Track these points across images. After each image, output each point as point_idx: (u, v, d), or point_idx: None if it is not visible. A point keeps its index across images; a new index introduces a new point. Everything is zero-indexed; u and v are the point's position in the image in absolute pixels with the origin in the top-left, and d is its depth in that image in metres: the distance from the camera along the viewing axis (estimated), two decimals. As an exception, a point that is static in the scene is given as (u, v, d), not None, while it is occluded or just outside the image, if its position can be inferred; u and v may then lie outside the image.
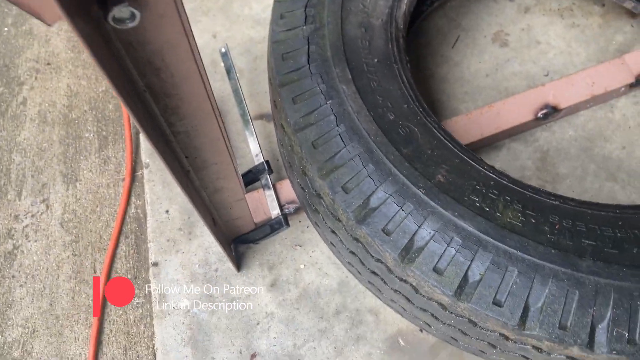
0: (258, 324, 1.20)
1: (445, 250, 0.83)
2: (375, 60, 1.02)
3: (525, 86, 1.39)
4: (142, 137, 1.44)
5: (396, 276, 0.89)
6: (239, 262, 1.26)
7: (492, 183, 0.90)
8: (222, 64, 1.41)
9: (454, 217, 0.84)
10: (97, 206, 1.40)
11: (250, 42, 1.51)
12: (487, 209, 0.86)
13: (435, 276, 0.83)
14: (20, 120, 1.51)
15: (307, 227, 1.29)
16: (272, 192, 1.22)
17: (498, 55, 1.44)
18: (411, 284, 0.88)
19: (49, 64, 1.58)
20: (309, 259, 1.26)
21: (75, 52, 1.59)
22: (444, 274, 0.82)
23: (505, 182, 0.91)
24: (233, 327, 1.20)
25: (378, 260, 0.90)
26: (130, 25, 0.46)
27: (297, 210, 1.24)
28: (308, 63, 0.99)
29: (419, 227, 0.85)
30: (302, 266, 1.25)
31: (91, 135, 1.48)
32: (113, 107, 1.51)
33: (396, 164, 0.88)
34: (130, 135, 1.45)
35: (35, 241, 1.37)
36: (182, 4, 0.50)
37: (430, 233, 0.84)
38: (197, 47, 0.58)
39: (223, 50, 1.34)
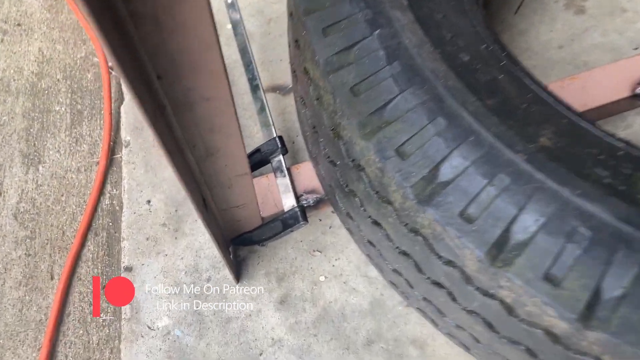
0: (261, 354, 0.89)
1: (563, 248, 0.52)
2: (440, -11, 0.73)
3: (608, 60, 1.10)
4: (124, 111, 1.15)
5: (477, 288, 0.58)
6: (238, 270, 0.96)
7: (620, 154, 0.60)
8: (229, 25, 1.13)
9: (574, 196, 0.53)
10: (62, 195, 1.10)
11: (264, 2, 1.23)
12: (623, 188, 0.55)
13: (547, 288, 0.52)
14: (-24, 88, 1.22)
15: (330, 227, 0.99)
16: (286, 177, 0.92)
17: (573, 24, 1.15)
18: (502, 300, 0.57)
19: (19, 24, 1.30)
20: (332, 269, 0.95)
21: (52, 13, 1.32)
22: (563, 286, 0.52)
23: (638, 153, 0.61)
24: (227, 357, 0.89)
25: (449, 262, 0.59)
26: None
27: (317, 204, 0.94)
28: (346, -17, 0.70)
29: (520, 211, 0.54)
30: (322, 278, 0.94)
31: (63, 108, 1.19)
32: (92, 76, 1.23)
33: (480, 117, 0.59)
34: (110, 109, 1.16)
35: (-20, 236, 1.07)
36: None
37: (537, 221, 0.53)
38: None
39: (230, 0, 1.06)
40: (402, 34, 0.65)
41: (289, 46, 0.82)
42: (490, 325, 0.63)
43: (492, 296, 0.57)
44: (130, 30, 0.40)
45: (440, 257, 0.60)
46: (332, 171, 0.74)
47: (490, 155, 0.57)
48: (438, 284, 0.65)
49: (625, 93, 0.98)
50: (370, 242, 0.75)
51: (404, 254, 0.67)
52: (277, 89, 1.14)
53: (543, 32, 1.14)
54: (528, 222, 0.54)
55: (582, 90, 0.98)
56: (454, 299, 0.64)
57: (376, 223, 0.68)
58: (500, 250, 0.54)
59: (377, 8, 0.67)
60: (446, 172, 0.57)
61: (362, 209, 0.70)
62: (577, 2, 1.17)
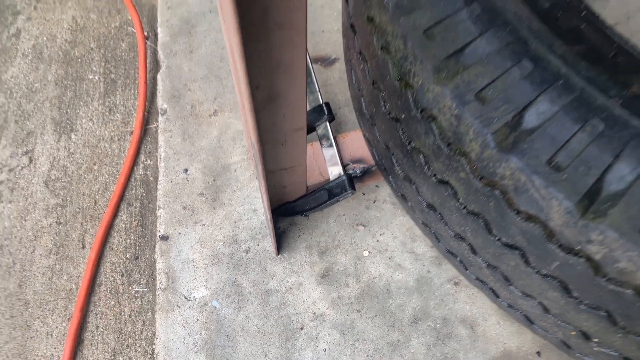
0: (302, 328, 0.85)
1: (665, 198, 0.48)
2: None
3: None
4: (161, 79, 1.11)
5: (560, 245, 0.53)
6: (279, 242, 0.91)
7: None
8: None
9: (677, 145, 0.49)
10: (94, 164, 1.06)
11: (306, -26, 1.20)
12: None
13: (648, 240, 0.47)
14: (9, 55, 1.19)
15: (374, 202, 0.94)
16: (332, 145, 0.88)
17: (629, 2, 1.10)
18: (589, 258, 0.52)
19: (53, -7, 1.28)
20: (376, 244, 0.91)
21: (87, -18, 1.29)
22: (668, 238, 0.47)
23: None
24: (267, 330, 0.84)
25: (530, 218, 0.54)
26: None
27: (363, 176, 0.90)
28: None
29: (616, 159, 0.50)
30: (365, 253, 0.90)
31: (96, 77, 1.16)
32: (127, 46, 1.20)
33: (569, 61, 0.54)
34: (145, 79, 1.12)
35: (10, 202, 1.03)
36: None
37: (635, 169, 0.49)
38: None
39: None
40: (477, -25, 0.61)
41: (345, 1, 0.77)
42: (567, 290, 0.58)
43: (577, 254, 0.53)
44: None
45: (519, 212, 0.55)
46: (393, 129, 0.70)
47: (581, 100, 0.52)
48: (511, 246, 0.60)
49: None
50: (430, 206, 0.71)
51: (473, 213, 0.62)
52: (319, 60, 1.10)
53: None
54: (624, 171, 0.49)
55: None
56: (527, 262, 0.60)
57: (442, 182, 0.64)
58: (593, 200, 0.50)
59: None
60: (532, 118, 0.53)
61: (426, 167, 0.66)
62: (631, -20, 1.13)
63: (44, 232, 1.00)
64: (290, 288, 0.88)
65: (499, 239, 0.61)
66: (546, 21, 0.59)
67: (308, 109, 0.93)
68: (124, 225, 1.00)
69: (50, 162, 1.07)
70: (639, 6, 1.10)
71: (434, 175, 0.65)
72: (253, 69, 0.54)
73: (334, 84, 1.07)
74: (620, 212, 0.49)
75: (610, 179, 0.50)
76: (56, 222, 1.01)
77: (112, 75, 1.16)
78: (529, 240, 0.57)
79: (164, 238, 0.93)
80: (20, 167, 1.06)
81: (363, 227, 0.92)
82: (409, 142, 0.67)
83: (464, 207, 0.63)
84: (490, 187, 0.57)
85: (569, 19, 0.61)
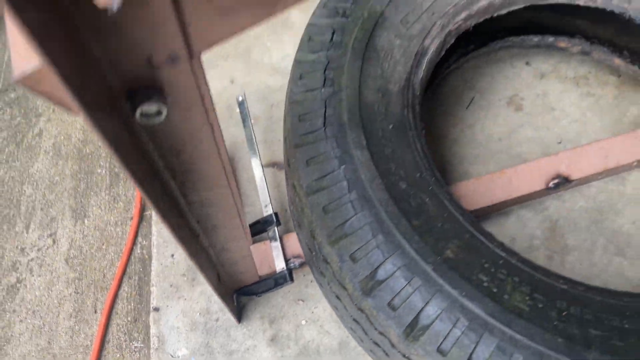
0: (255, 378, 1.19)
1: (450, 331, 0.82)
2: (391, 126, 1.03)
3: (538, 153, 1.39)
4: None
5: (399, 352, 0.88)
6: (240, 313, 1.25)
7: (501, 262, 0.90)
8: (237, 109, 1.43)
9: (461, 297, 0.83)
10: (103, 244, 1.40)
11: (268, 90, 1.53)
12: (495, 290, 0.85)
13: (439, 357, 0.82)
14: (34, 152, 1.52)
15: (311, 281, 1.28)
16: (278, 245, 1.22)
17: (512, 120, 1.44)
18: (415, 362, 0.87)
19: (67, 97, 1.60)
20: (311, 315, 1.25)
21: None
22: (448, 356, 0.81)
23: (514, 261, 0.90)
24: (230, 380, 1.19)
25: (381, 333, 0.89)
26: (157, 120, 0.46)
27: (302, 265, 1.24)
28: (324, 126, 0.99)
29: (426, 304, 0.84)
30: (303, 322, 1.24)
31: (103, 171, 1.49)
32: (127, 144, 1.52)
33: (406, 236, 0.88)
34: (141, 175, 1.45)
35: (39, 276, 1.37)
36: (209, 93, 0.51)
37: (436, 312, 0.83)
38: (220, 130, 0.59)
39: (240, 98, 1.36)
40: (359, 169, 0.94)
41: (284, 161, 1.11)
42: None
43: (408, 359, 0.87)
44: (185, 211, 0.69)
45: (376, 328, 0.89)
46: (309, 255, 1.04)
47: (410, 264, 0.86)
48: (377, 344, 0.94)
49: (541, 186, 1.27)
50: (335, 307, 1.05)
51: (355, 321, 0.96)
52: (275, 164, 1.43)
53: (487, 126, 1.44)
54: (430, 312, 0.83)
55: (508, 182, 1.28)
56: (386, 355, 0.94)
57: (337, 297, 0.98)
58: (412, 330, 0.84)
59: (344, 147, 0.97)
60: (381, 274, 0.87)
61: (328, 286, 1.00)
62: (516, 100, 1.47)
63: (65, 300, 1.34)
64: (248, 349, 1.22)
65: (370, 339, 0.95)
66: (399, 202, 0.92)
67: (262, 214, 1.27)
68: (125, 295, 1.34)
69: (69, 242, 1.40)
70: (520, 122, 1.44)
71: (334, 292, 0.99)
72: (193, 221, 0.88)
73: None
74: (427, 338, 0.83)
75: (422, 317, 0.84)
76: (75, 291, 1.35)
77: (116, 169, 1.49)
78: (384, 344, 0.91)
79: (156, 309, 1.27)
80: (46, 247, 1.40)
81: (302, 302, 1.26)
82: (319, 268, 1.01)
83: (350, 315, 0.97)
84: (360, 311, 0.91)
85: (418, 195, 0.94)
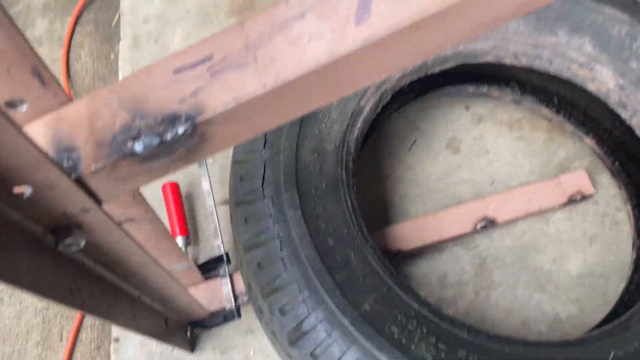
0: (206, 404, 1.31)
1: (362, 378, 0.94)
2: (324, 184, 1.14)
3: (471, 193, 1.52)
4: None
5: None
6: (194, 344, 1.37)
7: (412, 314, 1.02)
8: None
9: (373, 348, 0.95)
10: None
11: (225, 130, 1.63)
12: (404, 342, 0.97)
13: (351, 401, 0.94)
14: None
15: (260, 313, 1.40)
16: (228, 283, 1.33)
17: (450, 161, 1.56)
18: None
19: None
20: (259, 346, 1.37)
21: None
22: (359, 400, 0.94)
23: (425, 312, 1.03)
24: (183, 406, 1.30)
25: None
26: (76, 249, 0.57)
27: (250, 301, 1.35)
28: (262, 186, 1.11)
29: (342, 355, 0.96)
30: (252, 352, 1.36)
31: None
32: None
33: (328, 292, 1.00)
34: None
35: (9, 305, 1.47)
36: (122, 220, 0.62)
37: (351, 360, 0.95)
38: (154, 229, 0.70)
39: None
40: (292, 227, 1.06)
41: (229, 216, 1.22)
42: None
43: (329, 397, 0.99)
44: (122, 286, 0.81)
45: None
46: (250, 299, 1.16)
47: (331, 318, 0.98)
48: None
49: (469, 228, 1.40)
50: (272, 342, 1.17)
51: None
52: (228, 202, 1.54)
53: (427, 167, 1.56)
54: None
55: (440, 224, 1.40)
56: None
57: (273, 336, 1.10)
58: (331, 375, 0.96)
59: (279, 207, 1.08)
60: (306, 326, 0.99)
61: (264, 328, 1.12)
62: (455, 142, 1.59)
63: (34, 329, 1.44)
64: (200, 377, 1.34)
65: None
66: (326, 259, 1.03)
67: (218, 250, 1.38)
68: (89, 324, 1.45)
69: (37, 274, 1.50)
70: (457, 164, 1.56)
71: (269, 330, 1.11)
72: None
73: (240, 221, 1.51)
74: (343, 382, 0.95)
75: (339, 364, 0.96)
76: (42, 321, 1.45)
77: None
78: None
79: (116, 340, 1.38)
80: (15, 279, 1.50)
81: (252, 333, 1.38)
82: (257, 310, 1.12)
83: (285, 353, 1.09)
84: (289, 357, 1.02)
85: (344, 251, 1.06)
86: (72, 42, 1.81)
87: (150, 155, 0.49)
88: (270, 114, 0.49)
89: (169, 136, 0.48)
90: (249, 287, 1.09)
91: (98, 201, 0.54)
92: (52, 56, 1.80)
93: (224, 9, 1.79)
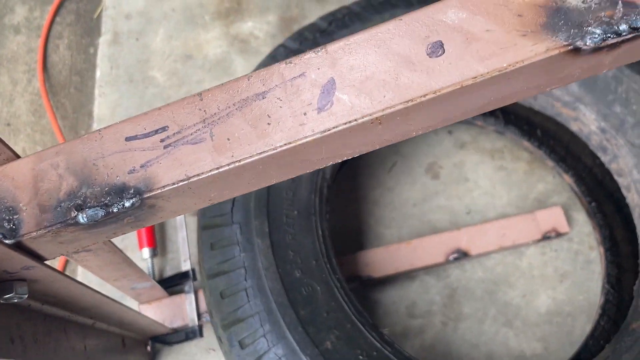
0: (162, 422, 1.28)
1: (318, 420, 0.93)
2: (296, 212, 1.11)
3: (447, 221, 1.50)
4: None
5: None
6: (154, 357, 1.34)
7: (375, 353, 1.00)
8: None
9: (331, 389, 0.94)
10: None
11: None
12: (364, 383, 0.96)
13: None
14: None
15: (224, 331, 1.37)
16: (192, 299, 1.30)
17: (428, 187, 1.55)
18: None
19: (8, 124, 1.64)
20: (220, 364, 1.34)
21: (36, 117, 1.66)
22: None
23: (387, 352, 1.01)
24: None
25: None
26: (19, 300, 0.54)
27: (215, 318, 1.33)
28: (231, 211, 1.08)
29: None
30: (212, 370, 1.34)
31: (37, 204, 1.54)
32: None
33: (290, 327, 0.98)
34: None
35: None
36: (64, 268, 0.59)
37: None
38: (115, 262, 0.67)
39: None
40: (258, 257, 1.03)
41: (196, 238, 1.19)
42: None
43: None
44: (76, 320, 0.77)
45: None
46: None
47: (290, 355, 0.96)
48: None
49: (441, 259, 1.38)
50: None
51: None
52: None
53: (405, 191, 1.54)
54: (304, 400, 0.94)
55: (413, 253, 1.38)
56: None
57: (232, 368, 1.08)
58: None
59: (247, 234, 1.05)
60: (265, 361, 0.97)
61: (225, 355, 1.09)
62: (435, 168, 1.57)
63: None
64: (157, 393, 1.31)
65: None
66: (290, 292, 1.01)
67: (183, 269, 1.35)
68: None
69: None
70: (435, 190, 1.54)
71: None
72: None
73: (211, 233, 1.48)
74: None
75: (296, 403, 0.94)
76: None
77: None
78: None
79: None
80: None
81: (213, 351, 1.36)
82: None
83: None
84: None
85: (310, 284, 1.04)
86: (51, 33, 1.75)
87: (95, 224, 0.46)
88: (223, 189, 0.47)
89: (115, 209, 0.45)
90: (210, 314, 1.06)
91: (41, 259, 0.51)
92: (29, 45, 1.74)
93: (210, 11, 1.74)
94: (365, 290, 1.41)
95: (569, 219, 1.48)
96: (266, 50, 1.68)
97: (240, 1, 1.76)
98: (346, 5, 1.33)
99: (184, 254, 1.36)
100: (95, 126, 1.58)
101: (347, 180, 1.53)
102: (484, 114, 1.54)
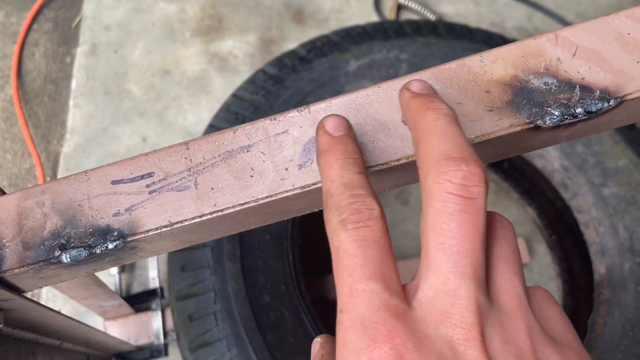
0: None
1: None
2: (268, 236, 1.13)
3: (414, 247, 1.54)
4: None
5: None
6: (117, 374, 1.33)
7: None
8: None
9: (294, 415, 0.95)
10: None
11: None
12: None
13: None
14: None
15: (190, 349, 1.38)
16: (159, 318, 1.31)
17: (398, 212, 1.59)
18: None
19: (-22, 130, 1.62)
20: (184, 382, 1.34)
21: (7, 124, 1.64)
22: None
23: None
24: None
25: None
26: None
27: (181, 336, 1.33)
28: (204, 234, 1.09)
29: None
30: (176, 388, 1.34)
31: (4, 213, 1.52)
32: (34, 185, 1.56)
33: (257, 352, 0.99)
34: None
35: None
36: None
37: None
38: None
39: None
40: (228, 281, 1.05)
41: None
42: None
43: None
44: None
45: None
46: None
47: (256, 379, 0.98)
48: None
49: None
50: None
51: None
52: (172, 230, 1.51)
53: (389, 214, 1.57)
54: None
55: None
56: None
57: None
58: None
59: (218, 258, 1.07)
60: (230, 384, 0.98)
61: None
62: (404, 195, 1.61)
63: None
64: (119, 410, 1.30)
65: None
66: (259, 316, 1.03)
67: (150, 287, 1.35)
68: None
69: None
70: (404, 216, 1.58)
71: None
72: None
73: (181, 250, 1.49)
74: None
75: None
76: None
77: (17, 213, 1.53)
78: None
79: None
80: None
81: (178, 368, 1.36)
82: None
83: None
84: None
85: (279, 309, 1.06)
86: (27, 39, 1.74)
87: (77, 264, 0.47)
88: (203, 233, 0.49)
89: (98, 250, 0.46)
90: (178, 336, 1.07)
91: (19, 291, 0.52)
92: (3, 51, 1.73)
93: (190, 27, 1.76)
94: (334, 313, 1.43)
95: (531, 250, 1.54)
96: (245, 69, 1.70)
97: (221, 19, 1.78)
98: (325, 35, 1.36)
99: (152, 271, 1.36)
100: (68, 137, 1.58)
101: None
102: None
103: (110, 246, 0.46)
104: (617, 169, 1.26)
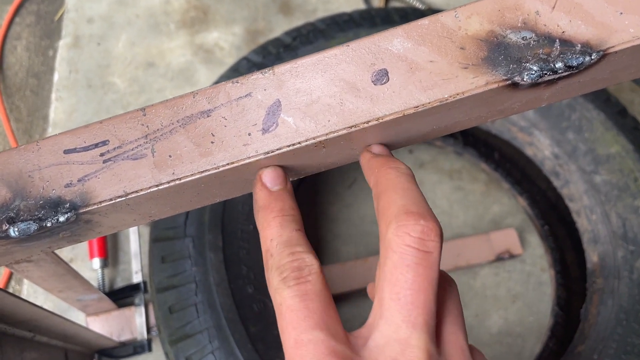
0: None
1: None
2: (252, 226, 1.10)
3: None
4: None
5: None
6: (100, 372, 1.30)
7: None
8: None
9: (278, 408, 0.92)
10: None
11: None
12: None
13: None
14: None
15: (175, 345, 1.34)
16: (142, 313, 1.27)
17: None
18: None
19: (-43, 125, 1.58)
20: (169, 379, 1.31)
21: (-13, 118, 1.60)
22: None
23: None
24: None
25: None
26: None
27: (165, 332, 1.30)
28: (185, 224, 1.06)
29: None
30: (160, 385, 1.30)
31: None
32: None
33: (240, 344, 0.96)
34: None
35: None
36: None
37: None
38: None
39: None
40: (210, 272, 1.02)
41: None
42: None
43: None
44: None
45: None
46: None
47: (239, 372, 0.94)
48: None
49: (397, 278, 1.39)
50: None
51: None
52: (157, 224, 1.48)
53: (363, 208, 1.55)
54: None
55: (369, 270, 1.39)
56: None
57: None
58: None
59: (200, 248, 1.03)
60: (212, 378, 0.95)
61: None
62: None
63: None
64: (102, 408, 1.27)
65: None
66: (241, 308, 1.00)
67: (134, 282, 1.32)
68: None
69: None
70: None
71: None
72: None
73: (166, 244, 1.45)
74: None
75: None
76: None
77: None
78: None
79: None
80: None
81: (162, 365, 1.33)
82: (166, 354, 1.08)
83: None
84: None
85: (262, 300, 1.03)
86: (9, 33, 1.71)
87: (28, 238, 0.44)
88: (164, 206, 0.46)
89: (48, 223, 0.43)
90: (158, 328, 1.04)
91: None
92: (-15, 44, 1.69)
93: (175, 19, 1.73)
94: (320, 306, 1.40)
95: (523, 241, 1.51)
96: (230, 61, 1.67)
97: (207, 11, 1.75)
98: (311, 22, 1.34)
99: (135, 265, 1.33)
100: (51, 131, 1.54)
101: (306, 196, 1.53)
102: (445, 135, 1.57)
103: (62, 219, 0.42)
104: (609, 155, 1.24)
